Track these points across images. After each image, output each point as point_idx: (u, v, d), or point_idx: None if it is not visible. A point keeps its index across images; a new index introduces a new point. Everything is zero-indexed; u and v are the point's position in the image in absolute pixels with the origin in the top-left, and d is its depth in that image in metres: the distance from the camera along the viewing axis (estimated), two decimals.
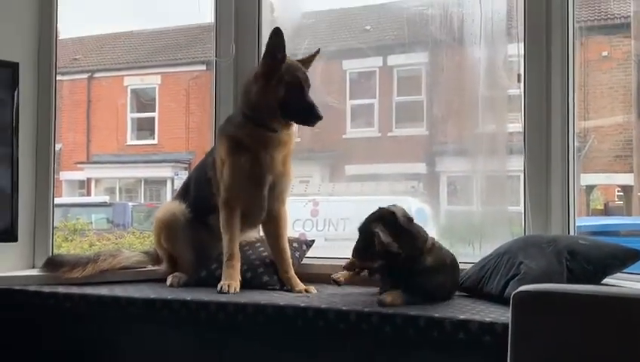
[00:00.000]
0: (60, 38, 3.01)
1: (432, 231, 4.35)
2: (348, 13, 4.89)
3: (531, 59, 2.60)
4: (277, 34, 2.35)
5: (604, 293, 1.42)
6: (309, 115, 2.38)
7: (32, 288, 2.52)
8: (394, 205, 2.11)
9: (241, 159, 2.43)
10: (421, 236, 2.12)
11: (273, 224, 2.55)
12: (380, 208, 2.11)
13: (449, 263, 2.22)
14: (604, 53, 5.65)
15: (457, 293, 2.37)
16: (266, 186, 2.47)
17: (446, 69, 3.54)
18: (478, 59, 3.06)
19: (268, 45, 2.38)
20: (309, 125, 2.46)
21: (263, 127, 2.41)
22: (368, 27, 4.86)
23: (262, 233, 2.69)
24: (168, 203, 2.88)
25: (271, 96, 2.37)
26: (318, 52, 2.53)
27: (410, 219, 2.08)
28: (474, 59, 3.12)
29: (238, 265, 2.45)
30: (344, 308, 2.07)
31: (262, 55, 2.45)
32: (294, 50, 3.53)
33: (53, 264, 2.66)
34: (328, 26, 4.72)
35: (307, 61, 2.51)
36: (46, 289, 2.51)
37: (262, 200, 2.49)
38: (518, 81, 2.64)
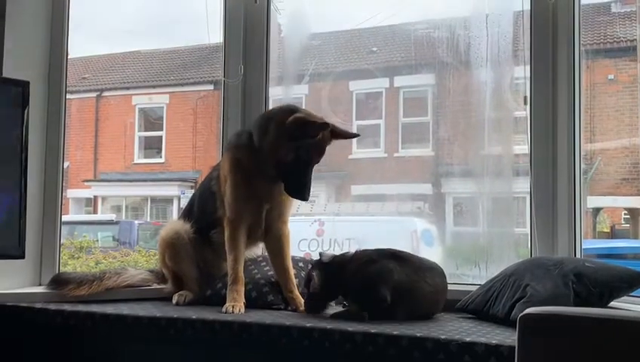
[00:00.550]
0: (69, 57, 3.04)
1: (437, 252, 4.37)
2: (355, 34, 4.93)
3: (537, 81, 2.61)
4: (323, 127, 2.29)
5: (612, 317, 1.41)
6: (297, 193, 2.35)
7: (38, 305, 2.52)
8: (325, 252, 2.43)
9: (241, 180, 2.44)
10: (343, 257, 2.38)
11: (276, 243, 2.56)
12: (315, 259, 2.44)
13: (377, 257, 2.32)
14: (610, 77, 5.66)
15: (463, 316, 2.37)
16: (263, 210, 2.49)
17: (452, 91, 3.56)
18: (485, 81, 3.08)
19: (310, 124, 2.29)
20: (292, 197, 2.43)
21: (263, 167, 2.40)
22: (375, 49, 4.90)
23: (266, 252, 2.69)
24: (172, 222, 2.89)
25: (278, 154, 2.32)
26: (357, 135, 2.66)
27: (331, 256, 2.39)
28: (480, 82, 3.14)
29: (242, 289, 2.45)
30: (350, 329, 2.07)
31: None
32: (301, 71, 3.57)
33: (59, 281, 2.66)
34: (336, 47, 4.76)
35: (341, 135, 2.39)
36: (52, 306, 2.51)
37: (260, 220, 2.51)
38: (525, 103, 2.65)
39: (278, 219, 2.54)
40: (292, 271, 2.55)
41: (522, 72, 2.70)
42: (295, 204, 2.65)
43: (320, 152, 2.36)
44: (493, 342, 1.91)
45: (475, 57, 3.08)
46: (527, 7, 2.63)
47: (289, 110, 2.38)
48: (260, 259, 2.74)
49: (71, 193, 7.90)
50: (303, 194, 2.34)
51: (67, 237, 5.64)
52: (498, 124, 3.11)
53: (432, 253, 4.41)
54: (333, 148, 2.42)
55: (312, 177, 2.35)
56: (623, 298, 2.25)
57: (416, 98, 5.35)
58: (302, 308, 2.44)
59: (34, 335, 2.55)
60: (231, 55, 3.01)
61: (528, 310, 1.47)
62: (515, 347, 1.47)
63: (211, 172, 2.70)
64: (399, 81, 5.30)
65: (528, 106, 2.63)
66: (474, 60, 3.10)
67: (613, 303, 2.22)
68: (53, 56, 2.94)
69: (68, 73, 3.01)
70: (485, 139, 3.18)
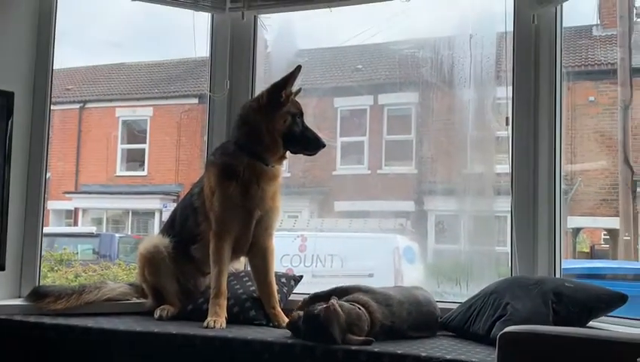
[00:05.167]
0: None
1: (419, 269, 4.38)
2: (341, 52, 4.97)
3: (519, 102, 2.64)
4: (299, 71, 2.44)
5: (591, 336, 1.43)
6: (314, 144, 2.46)
7: (17, 317, 2.50)
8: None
9: (232, 189, 2.44)
10: None
11: (261, 258, 2.55)
12: None
13: None
14: (591, 98, 5.75)
15: (444, 333, 2.38)
16: (254, 219, 2.48)
17: (436, 110, 3.60)
18: (468, 101, 3.11)
19: (286, 79, 2.44)
20: (312, 154, 2.51)
21: (258, 158, 2.43)
22: (360, 66, 4.94)
23: (248, 267, 2.69)
24: (151, 237, 2.88)
25: (276, 126, 2.42)
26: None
27: None
28: (463, 101, 3.18)
29: (224, 302, 2.45)
30: (332, 346, 2.06)
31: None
32: None
33: (38, 294, 2.63)
34: (321, 64, 4.79)
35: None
36: (32, 319, 2.48)
37: (249, 232, 2.50)
38: (507, 123, 2.68)
39: (264, 232, 2.54)
40: (275, 288, 2.54)
41: (505, 93, 2.72)
42: (282, 215, 2.66)
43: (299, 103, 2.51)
44: (474, 360, 1.92)
45: (458, 77, 3.12)
46: (510, 28, 2.67)
47: (250, 99, 2.61)
48: (243, 274, 2.73)
49: (51, 204, 7.84)
50: (320, 141, 2.46)
51: (47, 249, 5.59)
52: (480, 143, 3.14)
53: (413, 271, 4.43)
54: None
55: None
56: (601, 318, 2.27)
57: (400, 116, 5.40)
58: (284, 324, 2.43)
59: (13, 347, 2.52)
60: (217, 70, 3.02)
61: (508, 328, 1.48)
62: None
63: (192, 188, 2.69)
64: (383, 98, 5.34)
65: (510, 126, 2.66)
66: (457, 80, 3.14)
67: (591, 323, 2.24)
68: (39, 67, 2.92)
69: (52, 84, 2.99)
70: (468, 158, 3.22)
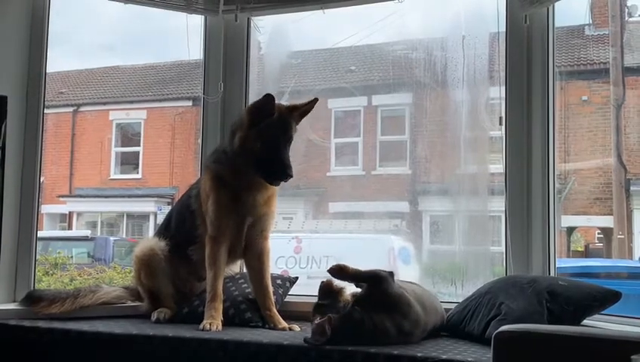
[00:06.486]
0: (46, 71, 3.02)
1: (415, 270, 4.39)
2: (334, 53, 4.98)
3: (512, 102, 2.66)
4: (267, 99, 2.35)
5: (584, 334, 1.44)
6: (276, 175, 2.36)
7: (12, 322, 2.49)
8: None
9: (224, 196, 2.45)
10: None
11: (256, 260, 2.56)
12: None
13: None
14: (584, 98, 5.78)
15: (440, 333, 2.38)
16: (246, 225, 2.49)
17: (429, 111, 3.61)
18: (461, 101, 3.12)
19: (256, 104, 2.40)
20: (274, 183, 2.42)
21: (245, 168, 2.43)
22: (354, 68, 4.95)
23: (244, 269, 2.69)
24: (146, 239, 2.87)
25: (248, 148, 2.37)
26: (315, 101, 2.47)
27: None
28: (456, 102, 3.18)
29: (220, 306, 2.45)
30: (327, 347, 2.07)
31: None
32: (281, 89, 3.60)
33: (33, 298, 2.63)
34: (315, 65, 4.80)
35: (301, 108, 2.46)
36: (26, 323, 2.48)
37: (241, 237, 2.51)
38: (500, 123, 2.69)
39: (260, 235, 2.54)
40: (271, 289, 2.55)
41: (498, 93, 2.73)
42: (277, 217, 2.65)
43: (284, 130, 2.38)
44: (469, 359, 1.92)
45: (451, 78, 3.12)
46: (503, 29, 2.68)
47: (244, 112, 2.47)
48: (239, 276, 2.73)
49: (45, 208, 7.82)
50: (282, 173, 2.34)
51: (41, 253, 5.58)
52: (474, 143, 3.15)
53: (409, 271, 4.45)
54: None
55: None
56: (595, 316, 2.28)
57: (394, 117, 5.41)
58: (280, 326, 2.44)
59: (8, 352, 2.51)
60: (211, 72, 3.02)
61: (503, 327, 1.49)
62: None
63: (190, 189, 2.69)
64: (377, 99, 5.35)
65: (503, 126, 2.67)
66: (450, 81, 3.15)
67: (586, 321, 2.25)
68: (32, 71, 2.92)
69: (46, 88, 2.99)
70: (461, 158, 3.22)
